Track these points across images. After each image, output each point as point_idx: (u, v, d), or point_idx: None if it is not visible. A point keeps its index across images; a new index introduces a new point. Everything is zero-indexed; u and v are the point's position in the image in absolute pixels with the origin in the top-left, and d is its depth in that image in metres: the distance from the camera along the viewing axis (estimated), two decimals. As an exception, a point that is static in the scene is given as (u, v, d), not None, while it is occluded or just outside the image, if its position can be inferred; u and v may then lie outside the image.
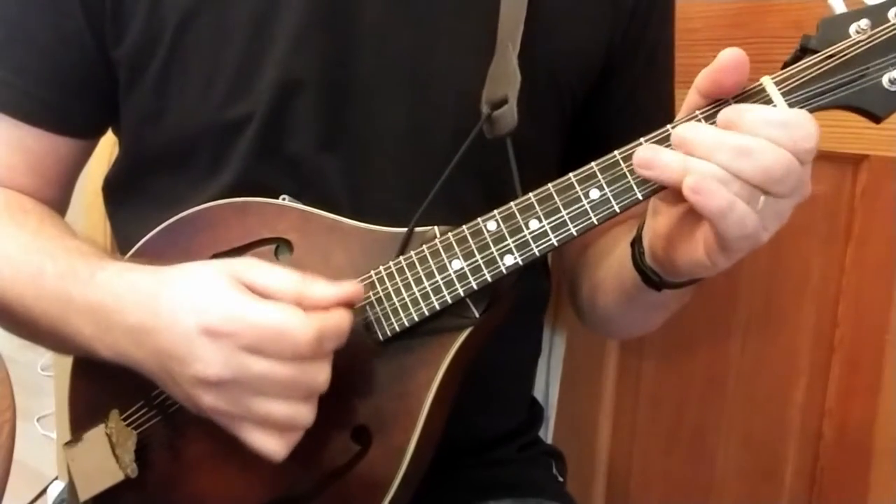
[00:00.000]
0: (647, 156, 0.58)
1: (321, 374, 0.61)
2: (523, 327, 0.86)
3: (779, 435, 1.01)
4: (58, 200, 0.82)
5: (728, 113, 0.57)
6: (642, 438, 1.11)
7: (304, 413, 0.62)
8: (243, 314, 0.60)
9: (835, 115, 0.92)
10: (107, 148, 0.88)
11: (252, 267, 0.63)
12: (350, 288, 0.63)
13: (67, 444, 0.74)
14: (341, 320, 0.62)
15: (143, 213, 0.74)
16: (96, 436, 0.72)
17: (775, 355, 1.01)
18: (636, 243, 0.69)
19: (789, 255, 0.99)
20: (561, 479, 0.92)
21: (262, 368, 0.59)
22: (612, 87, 0.81)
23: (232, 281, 0.61)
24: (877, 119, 0.59)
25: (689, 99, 0.60)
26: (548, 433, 1.14)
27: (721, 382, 1.04)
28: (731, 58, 0.57)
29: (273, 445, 0.62)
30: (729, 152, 0.55)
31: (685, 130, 0.58)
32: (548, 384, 1.16)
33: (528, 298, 0.82)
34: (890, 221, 0.93)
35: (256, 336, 0.59)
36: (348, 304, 0.63)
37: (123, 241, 0.76)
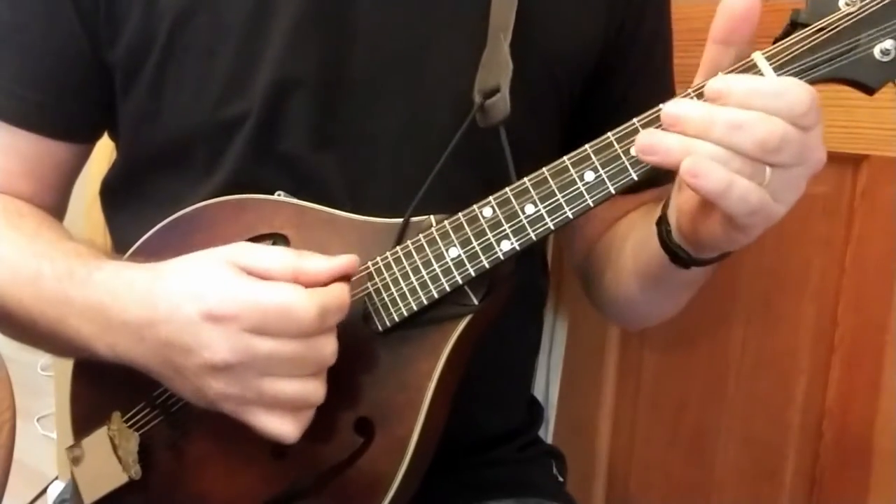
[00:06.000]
0: (648, 141, 0.58)
1: (328, 347, 0.62)
2: (520, 323, 0.85)
3: (779, 435, 1.01)
4: (55, 205, 0.82)
5: (715, 84, 0.56)
6: (642, 438, 1.11)
7: (315, 389, 0.62)
8: (244, 296, 0.60)
9: (834, 115, 0.92)
10: (107, 151, 0.88)
11: (245, 250, 0.63)
12: (345, 260, 0.63)
13: (70, 447, 0.74)
14: (342, 293, 0.62)
15: (140, 214, 0.74)
16: (99, 438, 0.72)
17: (775, 355, 1.01)
18: (662, 222, 0.68)
19: (789, 255, 0.99)
20: (561, 479, 0.92)
21: (269, 348, 0.60)
22: (610, 78, 0.81)
23: (228, 265, 0.62)
24: (870, 91, 0.59)
25: (707, 54, 0.59)
26: (548, 433, 1.14)
27: (721, 382, 1.04)
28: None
29: (286, 427, 0.62)
30: (722, 128, 0.55)
31: (674, 108, 0.57)
32: (548, 384, 1.16)
33: (525, 293, 0.82)
34: (890, 221, 0.93)
35: (260, 316, 0.59)
36: (345, 278, 0.63)
37: (122, 244, 0.76)
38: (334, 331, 0.62)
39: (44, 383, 1.99)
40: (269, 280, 0.61)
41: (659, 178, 0.62)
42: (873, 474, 0.95)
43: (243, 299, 0.60)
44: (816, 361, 0.98)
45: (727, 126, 0.55)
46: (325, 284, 0.62)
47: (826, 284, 0.97)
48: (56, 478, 1.67)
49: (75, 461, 0.73)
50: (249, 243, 0.65)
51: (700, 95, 0.58)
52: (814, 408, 0.99)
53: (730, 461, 1.04)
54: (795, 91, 0.55)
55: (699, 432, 1.06)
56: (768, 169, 0.56)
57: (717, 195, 0.55)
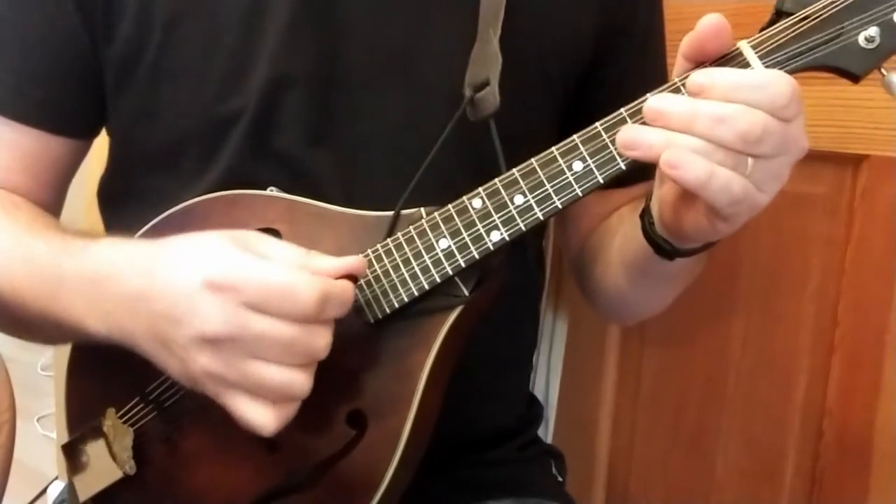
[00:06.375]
0: (630, 136, 0.58)
1: (321, 339, 0.60)
2: (516, 318, 0.86)
3: (779, 435, 1.01)
4: (51, 202, 0.82)
5: (697, 77, 0.57)
6: (642, 438, 1.11)
7: (301, 381, 0.60)
8: (247, 269, 0.59)
9: (834, 114, 0.92)
10: (106, 147, 0.88)
11: (256, 235, 0.63)
12: (353, 261, 0.63)
13: (65, 444, 0.74)
14: (346, 287, 0.61)
15: (137, 214, 0.74)
16: (93, 435, 0.72)
17: (775, 355, 1.01)
18: (645, 214, 0.69)
19: (789, 254, 0.99)
20: (560, 478, 0.92)
21: (263, 327, 0.58)
22: (603, 73, 0.82)
23: (236, 242, 0.61)
24: (855, 78, 0.59)
25: (677, 65, 0.60)
26: (548, 433, 1.15)
27: (721, 382, 1.04)
28: (710, 25, 0.57)
29: (265, 417, 0.60)
30: (705, 121, 0.55)
31: (657, 103, 0.57)
32: (548, 383, 1.16)
33: (521, 287, 0.82)
34: (890, 221, 0.93)
35: (260, 292, 0.58)
36: (352, 278, 0.62)
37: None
38: (331, 324, 0.61)
39: (44, 383, 1.99)
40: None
41: (649, 169, 0.62)
42: (873, 474, 0.95)
43: (246, 272, 0.59)
44: (816, 361, 0.98)
45: (710, 119, 0.55)
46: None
47: (826, 284, 0.97)
48: (56, 478, 1.67)
49: (70, 458, 0.73)
50: (261, 233, 0.64)
51: (684, 86, 0.58)
52: (814, 408, 0.99)
53: (730, 461, 1.04)
54: (777, 83, 0.56)
55: (699, 432, 1.06)
56: (751, 160, 0.56)
57: (698, 186, 0.56)
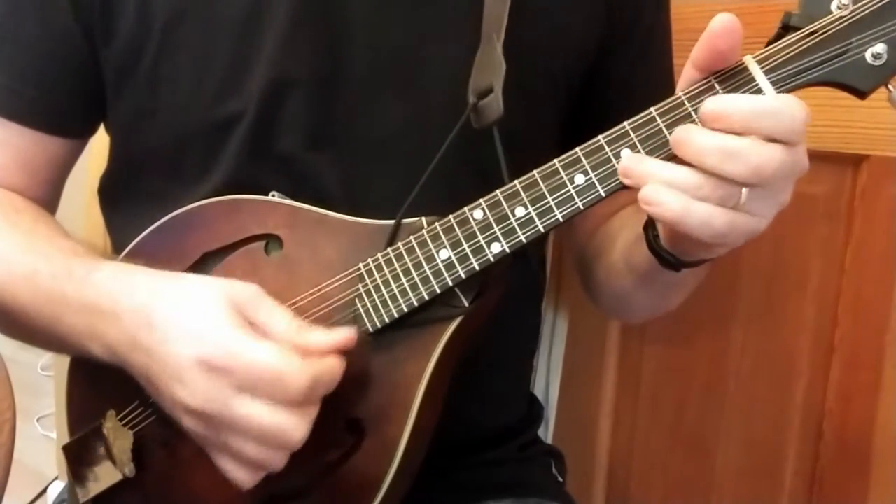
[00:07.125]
0: (627, 165, 0.59)
1: (299, 432, 0.61)
2: (519, 320, 0.86)
3: (779, 435, 1.01)
4: (48, 199, 0.82)
5: (710, 105, 0.56)
6: (642, 438, 1.11)
7: (276, 459, 0.62)
8: (241, 352, 0.60)
9: (834, 115, 0.92)
10: (106, 145, 0.88)
11: (254, 300, 0.63)
12: (343, 336, 0.63)
13: (65, 446, 0.74)
14: (335, 369, 0.62)
15: (138, 214, 0.74)
16: (94, 436, 0.72)
17: (775, 355, 1.01)
18: (649, 227, 0.69)
19: (789, 255, 0.99)
20: (560, 479, 0.92)
21: (246, 412, 0.59)
22: (609, 71, 0.81)
23: (233, 312, 0.61)
24: (861, 95, 0.59)
25: (684, 74, 0.60)
26: (548, 433, 1.15)
27: (721, 382, 1.04)
28: (722, 24, 0.56)
29: (242, 476, 0.62)
30: (716, 155, 0.55)
31: (680, 133, 0.57)
32: (548, 383, 1.16)
33: (523, 289, 0.82)
34: (890, 221, 0.92)
35: (251, 377, 0.59)
36: (342, 352, 0.63)
37: (120, 244, 0.75)
38: (317, 406, 0.62)
39: (44, 383, 1.99)
40: (268, 337, 0.61)
41: None
42: (873, 474, 0.95)
43: (239, 355, 0.60)
44: (816, 362, 0.98)
45: (722, 153, 0.55)
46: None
47: (826, 285, 0.97)
48: (56, 478, 1.67)
49: (70, 459, 0.73)
50: (259, 290, 0.64)
51: (691, 100, 0.58)
52: (814, 408, 0.99)
53: (730, 461, 1.04)
54: (791, 111, 0.55)
55: (699, 432, 1.06)
56: (744, 191, 0.56)
57: (673, 222, 0.57)
